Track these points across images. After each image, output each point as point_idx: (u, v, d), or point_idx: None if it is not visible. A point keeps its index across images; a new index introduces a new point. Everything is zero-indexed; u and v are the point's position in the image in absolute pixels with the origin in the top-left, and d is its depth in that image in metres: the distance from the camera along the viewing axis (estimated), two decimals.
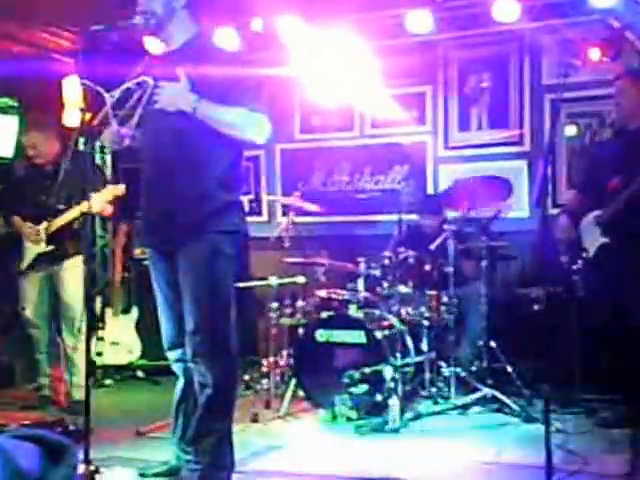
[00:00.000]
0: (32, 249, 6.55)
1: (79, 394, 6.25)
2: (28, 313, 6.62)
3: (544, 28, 7.38)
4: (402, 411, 5.77)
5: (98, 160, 8.74)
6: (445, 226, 6.59)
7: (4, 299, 7.26)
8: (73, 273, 6.49)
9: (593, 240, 5.68)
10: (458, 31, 7.70)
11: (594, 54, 6.92)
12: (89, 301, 4.27)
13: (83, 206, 6.23)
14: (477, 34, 7.78)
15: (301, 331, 6.63)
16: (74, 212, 6.35)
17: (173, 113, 4.04)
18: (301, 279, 6.87)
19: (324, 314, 6.34)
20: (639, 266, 5.39)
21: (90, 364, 4.28)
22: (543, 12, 7.24)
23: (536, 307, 6.75)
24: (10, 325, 7.37)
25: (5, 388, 7.28)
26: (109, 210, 6.59)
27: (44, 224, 6.48)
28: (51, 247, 6.50)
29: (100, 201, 6.30)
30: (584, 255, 5.74)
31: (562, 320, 6.27)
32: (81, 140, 6.10)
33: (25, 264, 6.59)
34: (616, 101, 5.76)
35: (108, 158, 8.98)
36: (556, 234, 5.85)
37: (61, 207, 6.43)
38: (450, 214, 7.15)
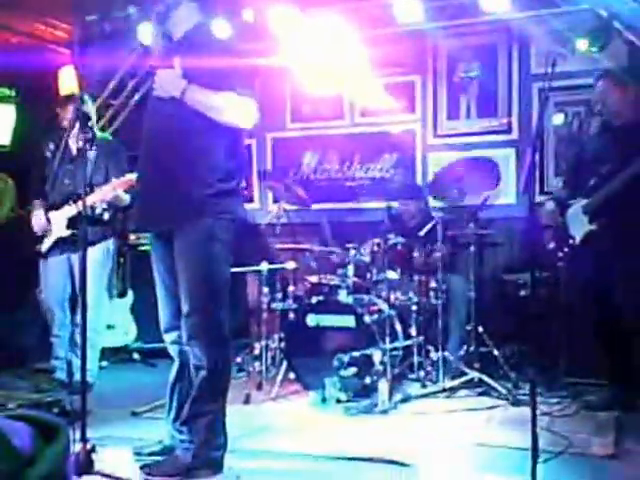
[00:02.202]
0: (53, 232, 6.42)
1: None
2: (44, 296, 6.54)
3: (532, 18, 7.35)
4: (391, 393, 5.80)
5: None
6: (434, 213, 6.59)
7: (17, 280, 7.18)
8: (91, 260, 6.36)
9: (580, 227, 5.69)
10: (447, 20, 7.67)
11: (582, 44, 6.90)
12: (84, 285, 4.24)
13: (103, 192, 6.13)
14: (466, 24, 7.76)
15: (292, 315, 6.63)
16: (94, 197, 6.11)
17: (169, 100, 4.07)
18: (292, 265, 6.87)
19: (314, 299, 6.34)
20: (625, 252, 5.42)
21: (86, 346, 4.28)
22: (532, 2, 7.23)
23: (523, 293, 6.76)
24: (19, 306, 7.34)
25: (16, 369, 7.22)
26: (126, 200, 6.34)
27: (66, 208, 6.34)
28: (70, 231, 6.34)
29: (116, 189, 6.15)
30: (571, 242, 5.75)
31: (548, 305, 6.30)
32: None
33: (45, 247, 6.46)
34: (601, 101, 5.77)
35: None
36: (542, 220, 5.86)
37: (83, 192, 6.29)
38: (439, 202, 7.17)
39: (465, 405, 5.88)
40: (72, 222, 6.36)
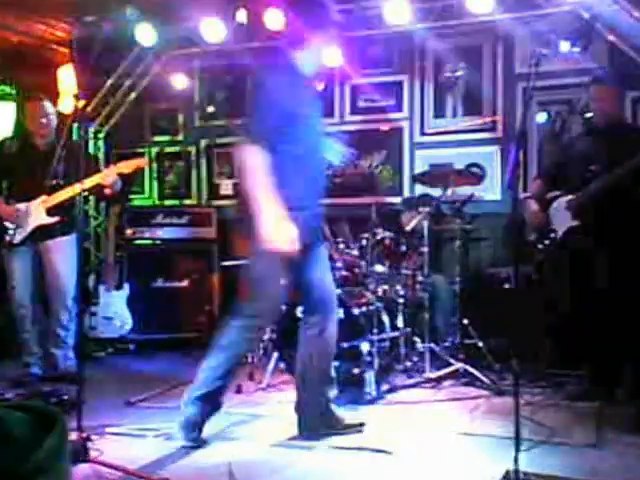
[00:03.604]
0: (31, 222, 6.28)
1: (65, 365, 6.34)
2: (17, 292, 6.40)
3: (516, 20, 7.36)
4: (378, 384, 5.80)
5: (91, 146, 8.70)
6: (420, 208, 6.60)
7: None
8: (61, 251, 6.33)
9: (563, 222, 5.71)
10: (434, 22, 7.68)
11: (564, 44, 6.92)
12: (82, 278, 4.23)
13: (104, 174, 6.06)
14: (452, 25, 7.75)
15: (283, 307, 6.62)
16: (96, 178, 6.03)
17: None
18: None
19: None
20: (605, 247, 5.45)
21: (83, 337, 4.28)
22: (516, 4, 7.23)
23: (506, 286, 6.78)
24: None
25: None
26: (118, 186, 6.29)
27: (43, 197, 6.23)
28: (55, 219, 6.26)
29: (112, 175, 6.09)
30: (552, 236, 5.77)
31: (531, 298, 6.31)
32: (75, 125, 6.05)
33: (20, 238, 6.30)
34: (593, 105, 5.77)
35: (101, 143, 8.97)
36: (526, 218, 5.87)
37: (61, 182, 6.23)
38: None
39: (450, 395, 5.90)
40: (51, 211, 6.29)
